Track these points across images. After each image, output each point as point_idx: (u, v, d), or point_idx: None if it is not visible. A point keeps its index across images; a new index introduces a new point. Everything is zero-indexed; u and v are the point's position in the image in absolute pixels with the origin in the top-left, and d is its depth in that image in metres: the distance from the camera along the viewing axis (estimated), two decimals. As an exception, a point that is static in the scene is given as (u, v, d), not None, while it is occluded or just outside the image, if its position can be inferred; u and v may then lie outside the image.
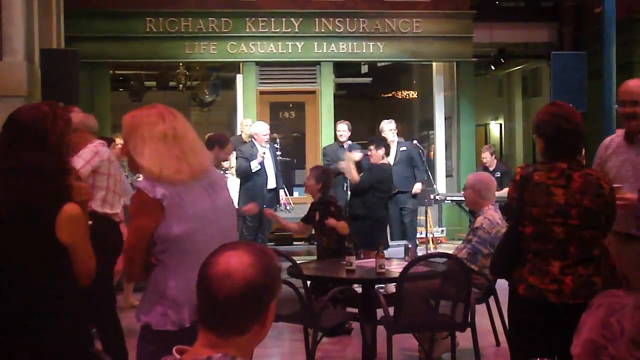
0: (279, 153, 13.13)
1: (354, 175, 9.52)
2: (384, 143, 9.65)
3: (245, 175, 10.69)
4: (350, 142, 11.14)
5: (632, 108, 4.76)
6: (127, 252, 3.30)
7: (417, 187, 11.07)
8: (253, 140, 10.89)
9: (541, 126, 4.07)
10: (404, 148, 11.09)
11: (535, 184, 3.99)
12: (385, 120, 11.31)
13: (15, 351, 3.14)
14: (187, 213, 3.27)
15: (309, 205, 8.04)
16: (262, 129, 10.93)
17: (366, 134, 14.39)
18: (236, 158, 10.98)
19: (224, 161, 8.48)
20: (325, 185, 7.76)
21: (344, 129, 10.97)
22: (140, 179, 3.92)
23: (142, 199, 3.24)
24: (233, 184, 11.47)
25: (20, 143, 3.20)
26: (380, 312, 5.90)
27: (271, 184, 10.92)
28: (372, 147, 9.39)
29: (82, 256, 3.27)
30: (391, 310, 5.77)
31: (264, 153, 10.77)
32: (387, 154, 9.66)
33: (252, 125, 11.62)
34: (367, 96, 20.81)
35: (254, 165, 10.57)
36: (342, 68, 16.99)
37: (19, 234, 3.14)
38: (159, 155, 3.28)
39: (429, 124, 17.06)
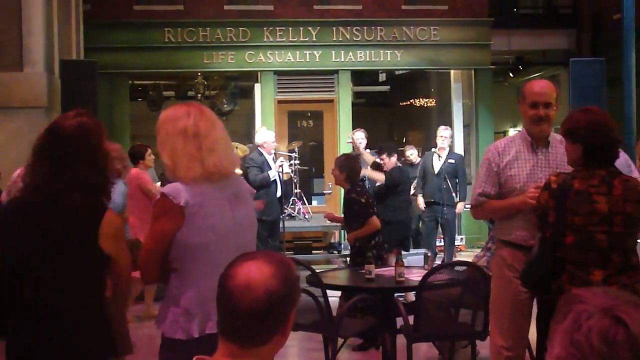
0: (297, 162, 13.15)
1: (376, 177, 9.39)
2: (395, 150, 9.55)
3: (263, 184, 10.44)
4: (368, 150, 11.08)
5: (545, 110, 4.49)
6: (146, 255, 3.32)
7: (460, 207, 10.90)
8: (260, 149, 10.73)
9: (584, 134, 3.94)
10: (452, 160, 10.86)
11: (576, 192, 3.89)
12: (442, 127, 11.17)
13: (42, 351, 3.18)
14: (206, 224, 3.25)
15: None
16: (270, 137, 10.84)
17: (384, 142, 14.36)
18: (247, 168, 10.67)
19: None
20: (351, 174, 7.38)
21: (361, 136, 10.93)
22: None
23: (165, 204, 3.24)
24: None
25: (75, 163, 3.25)
26: (400, 321, 5.88)
27: (279, 192, 10.89)
28: (384, 156, 9.29)
29: (123, 262, 3.34)
30: (411, 319, 5.75)
31: (282, 161, 10.75)
32: (399, 159, 9.50)
33: (257, 134, 11.35)
34: (385, 104, 20.81)
35: (273, 174, 10.54)
36: (360, 76, 17.02)
37: (70, 247, 3.20)
38: (175, 151, 3.30)
39: (448, 132, 17.01)
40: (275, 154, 11.22)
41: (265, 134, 10.98)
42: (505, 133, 22.07)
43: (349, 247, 7.77)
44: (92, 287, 3.27)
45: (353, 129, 12.04)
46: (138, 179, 8.45)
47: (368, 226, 7.22)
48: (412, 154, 11.95)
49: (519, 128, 21.92)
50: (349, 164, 7.44)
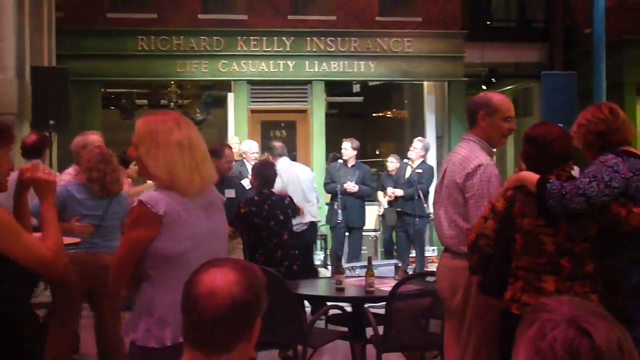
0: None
1: None
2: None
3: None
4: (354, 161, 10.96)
5: (511, 124, 4.61)
6: (119, 262, 3.29)
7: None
8: (242, 159, 10.77)
9: (525, 144, 4.01)
10: (421, 170, 10.84)
11: (527, 194, 3.89)
12: (417, 138, 11.36)
13: None
14: (184, 233, 3.23)
15: None
16: (250, 147, 10.85)
17: (358, 153, 14.35)
18: None
19: (226, 171, 8.14)
20: (262, 182, 7.08)
21: (346, 147, 10.81)
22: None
23: (143, 212, 3.19)
24: None
25: None
26: (370, 331, 5.87)
27: None
28: None
29: (23, 254, 2.93)
30: (381, 329, 5.74)
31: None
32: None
33: (240, 143, 11.42)
34: (359, 115, 20.80)
35: (247, 184, 10.49)
36: (333, 87, 17.02)
37: None
38: (173, 163, 3.24)
39: (420, 143, 17.05)
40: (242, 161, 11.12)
41: (246, 144, 10.96)
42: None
43: None
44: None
45: (326, 140, 11.99)
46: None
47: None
48: (391, 162, 11.87)
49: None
50: (260, 171, 7.22)
